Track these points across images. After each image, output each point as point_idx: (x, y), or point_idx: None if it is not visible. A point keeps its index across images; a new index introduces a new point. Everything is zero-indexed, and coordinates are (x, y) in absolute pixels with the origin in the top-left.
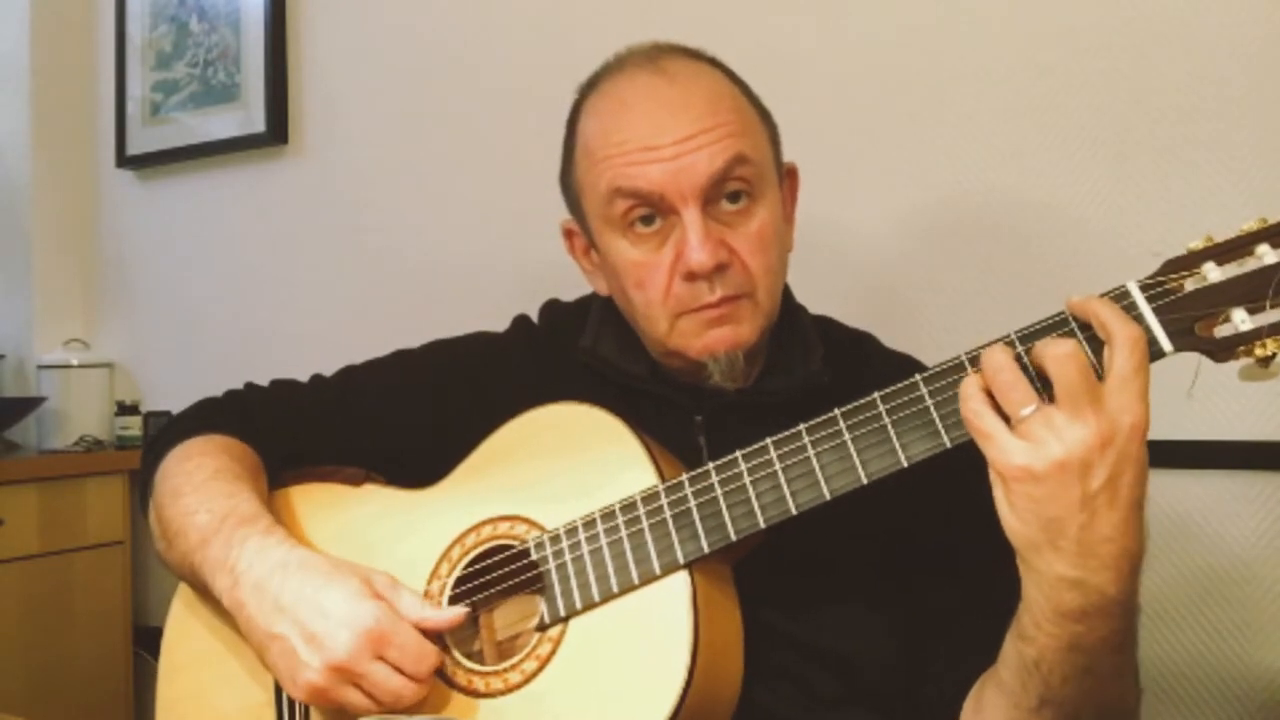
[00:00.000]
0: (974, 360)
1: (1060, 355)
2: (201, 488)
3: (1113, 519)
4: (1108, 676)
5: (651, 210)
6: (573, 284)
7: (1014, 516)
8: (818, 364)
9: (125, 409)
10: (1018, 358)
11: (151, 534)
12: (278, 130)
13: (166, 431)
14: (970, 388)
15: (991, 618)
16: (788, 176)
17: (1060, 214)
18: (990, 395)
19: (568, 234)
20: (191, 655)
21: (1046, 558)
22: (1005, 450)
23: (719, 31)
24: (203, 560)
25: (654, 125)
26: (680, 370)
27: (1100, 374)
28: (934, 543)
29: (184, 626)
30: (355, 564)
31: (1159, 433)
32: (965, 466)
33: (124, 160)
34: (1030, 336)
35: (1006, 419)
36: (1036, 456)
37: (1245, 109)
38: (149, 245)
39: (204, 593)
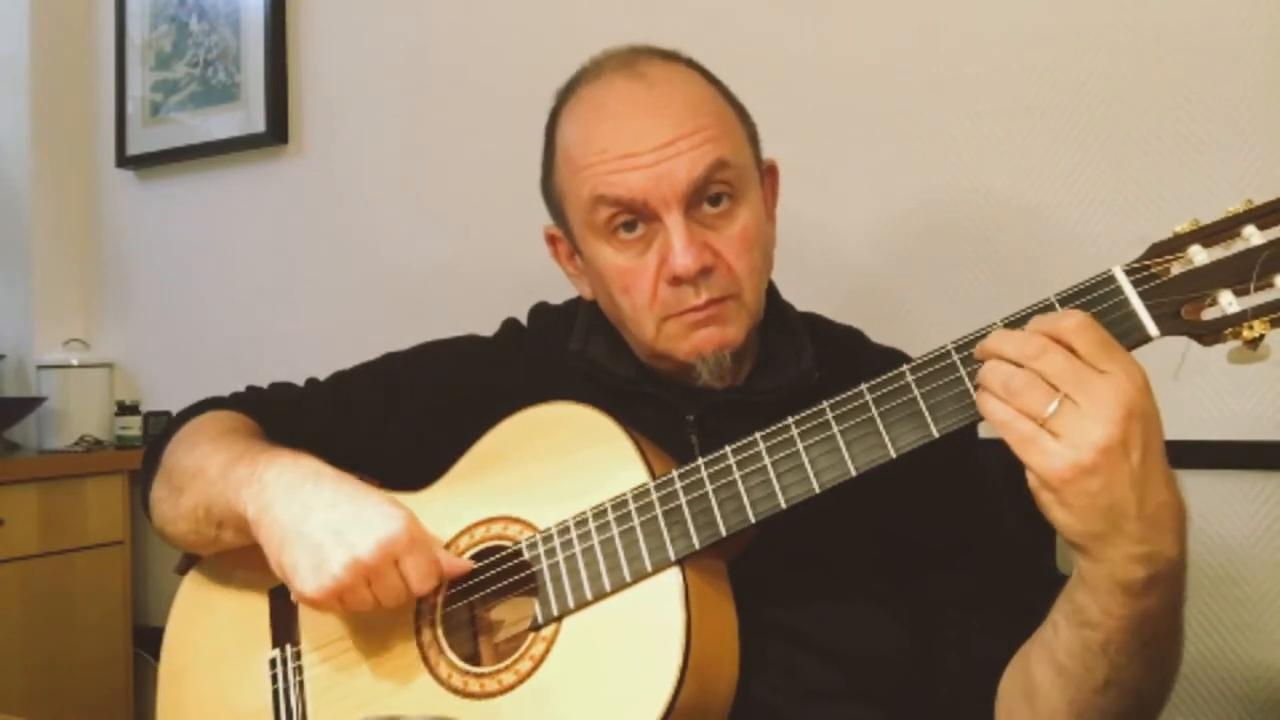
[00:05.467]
0: (960, 349)
1: (1037, 352)
2: (219, 439)
3: (1158, 482)
4: (1167, 641)
5: (634, 216)
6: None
7: (1072, 517)
8: (808, 361)
9: (125, 409)
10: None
11: (153, 505)
12: (278, 130)
13: (171, 425)
14: (994, 402)
15: (998, 601)
16: (768, 173)
17: (1056, 215)
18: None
19: (551, 239)
20: (191, 660)
21: (1113, 542)
22: (1048, 453)
23: (711, 32)
24: (225, 485)
25: (633, 132)
26: (669, 372)
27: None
28: (933, 534)
29: (184, 631)
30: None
31: None
32: (957, 456)
33: (124, 160)
34: (1015, 325)
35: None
36: (1081, 450)
37: (1242, 109)
38: (149, 245)
39: (215, 536)
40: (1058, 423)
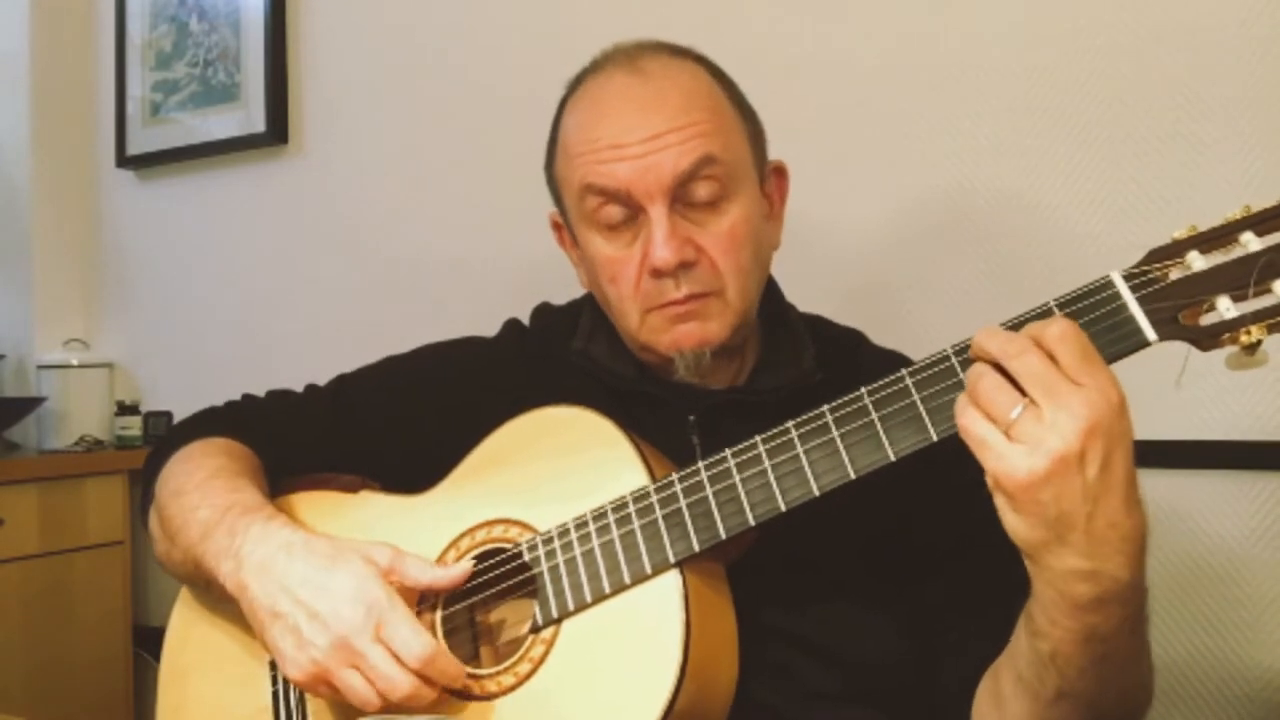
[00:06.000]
0: (959, 352)
1: (1017, 352)
2: (203, 485)
3: (1113, 503)
4: (1124, 661)
5: (622, 207)
6: (574, 282)
7: (1021, 522)
8: (809, 362)
9: (125, 409)
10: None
11: (152, 538)
12: (278, 130)
13: (166, 441)
14: (963, 402)
15: (995, 605)
16: (775, 175)
17: (1054, 214)
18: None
19: (556, 226)
20: (192, 661)
21: (1057, 554)
22: (1004, 457)
23: (714, 31)
24: (205, 551)
25: (624, 124)
26: (657, 366)
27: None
28: (931, 537)
29: (184, 632)
30: (358, 542)
31: (1158, 433)
32: (956, 461)
33: (124, 160)
34: (1016, 328)
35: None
36: (1037, 456)
37: (1241, 108)
38: (149, 245)
39: (207, 589)
40: (1019, 428)
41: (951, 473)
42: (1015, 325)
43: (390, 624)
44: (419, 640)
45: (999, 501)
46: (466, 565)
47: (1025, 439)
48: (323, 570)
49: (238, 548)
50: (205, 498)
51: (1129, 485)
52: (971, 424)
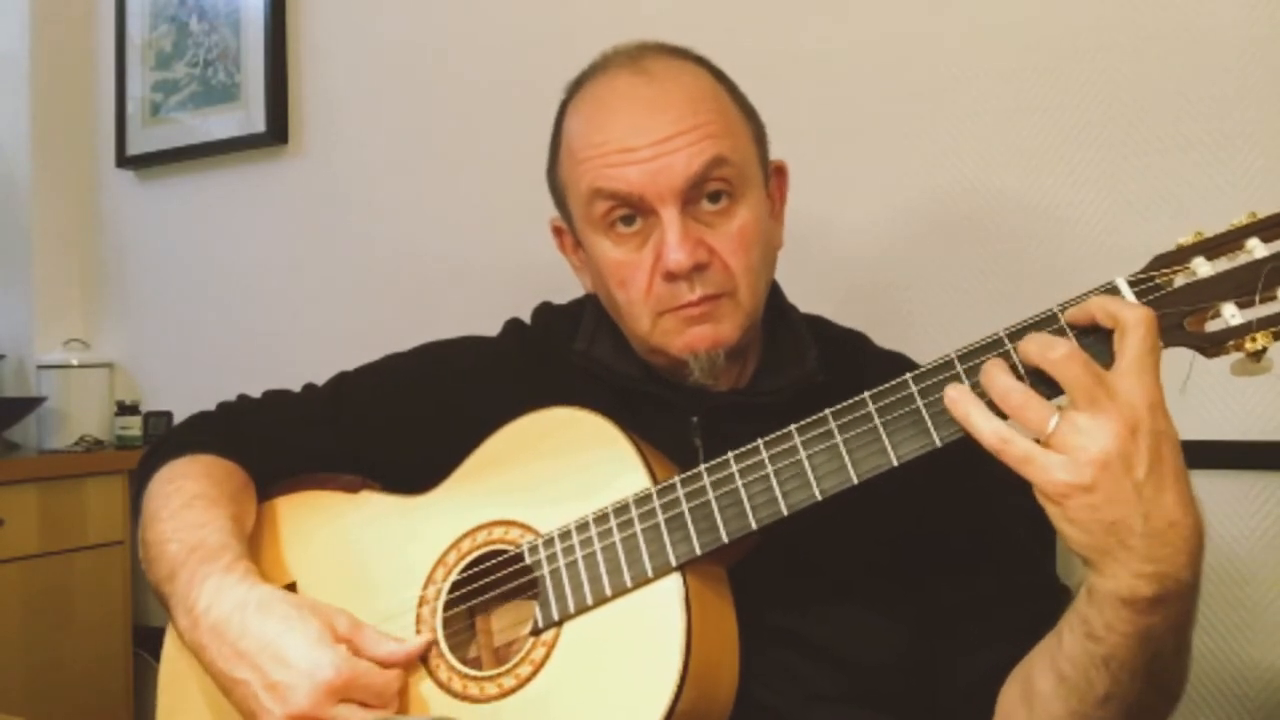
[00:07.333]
0: (964, 358)
1: (1060, 359)
2: (177, 515)
3: (1168, 500)
4: (1171, 656)
5: (631, 211)
6: (574, 283)
7: (1077, 530)
8: (812, 363)
9: (125, 409)
10: (1012, 366)
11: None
12: (278, 130)
13: (157, 450)
14: (985, 419)
15: (1007, 607)
16: (776, 175)
17: (1056, 214)
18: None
19: (557, 231)
20: (192, 661)
21: (1120, 559)
22: (1047, 469)
23: (714, 31)
24: (170, 594)
25: (632, 126)
26: (666, 369)
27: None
28: (941, 540)
29: None
30: (316, 604)
31: None
32: (966, 464)
33: (124, 160)
34: (1019, 334)
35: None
36: (1078, 465)
37: (1242, 108)
38: (149, 245)
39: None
40: (1059, 437)
41: (961, 476)
42: (1019, 330)
43: (360, 685)
44: (394, 683)
45: (1051, 512)
46: (425, 638)
47: (1065, 448)
48: (278, 636)
49: (193, 602)
50: (175, 531)
51: (1181, 481)
52: (1007, 444)
